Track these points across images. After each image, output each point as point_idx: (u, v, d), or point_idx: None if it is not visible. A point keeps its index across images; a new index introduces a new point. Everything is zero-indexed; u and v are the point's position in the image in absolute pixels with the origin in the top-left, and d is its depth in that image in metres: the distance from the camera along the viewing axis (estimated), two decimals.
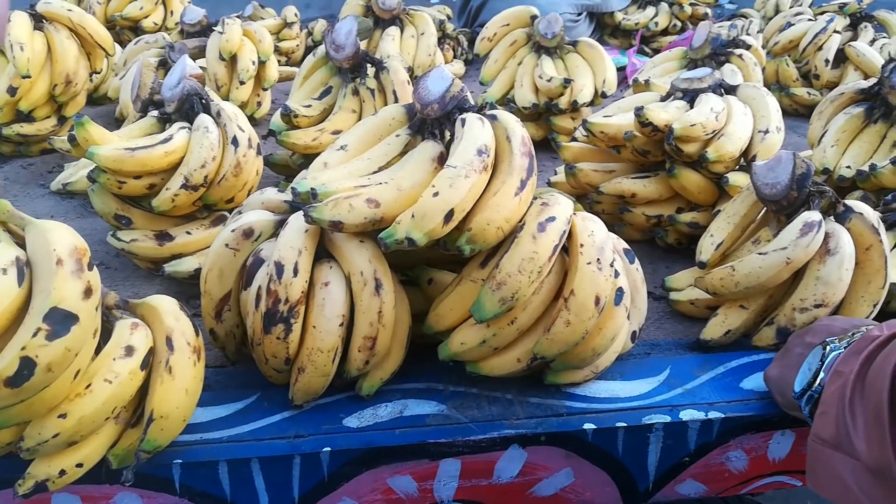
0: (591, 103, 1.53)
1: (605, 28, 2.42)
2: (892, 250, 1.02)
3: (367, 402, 0.80)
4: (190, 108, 1.06)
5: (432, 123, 0.84)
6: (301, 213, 0.76)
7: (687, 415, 0.79)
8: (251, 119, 1.68)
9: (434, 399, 0.81)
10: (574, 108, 1.52)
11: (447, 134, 0.84)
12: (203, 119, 1.04)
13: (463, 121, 0.79)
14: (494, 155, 0.78)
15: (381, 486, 0.77)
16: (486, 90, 1.68)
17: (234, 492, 0.74)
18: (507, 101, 1.61)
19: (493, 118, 0.80)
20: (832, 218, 0.90)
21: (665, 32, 2.38)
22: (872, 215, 0.89)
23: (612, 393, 0.83)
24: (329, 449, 0.74)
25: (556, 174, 1.32)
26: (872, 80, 1.28)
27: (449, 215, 0.72)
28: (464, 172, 0.73)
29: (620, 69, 2.13)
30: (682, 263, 1.10)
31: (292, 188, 0.77)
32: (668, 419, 0.78)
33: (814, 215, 0.87)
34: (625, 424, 0.78)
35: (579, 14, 2.38)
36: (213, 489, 0.74)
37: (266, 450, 0.74)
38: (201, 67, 1.65)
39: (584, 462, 0.79)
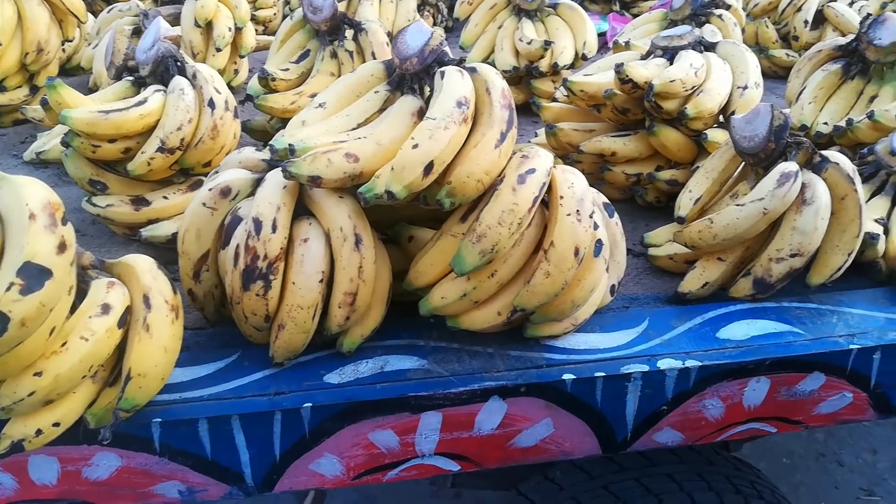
0: (572, 66, 1.52)
1: None
2: (867, 202, 1.03)
3: (348, 359, 0.80)
4: (165, 70, 1.05)
5: (411, 78, 0.83)
6: (279, 169, 0.75)
7: (664, 364, 0.80)
8: (228, 87, 1.65)
9: (415, 354, 0.82)
10: (555, 70, 1.51)
11: (427, 90, 0.83)
12: (178, 81, 1.02)
13: (442, 73, 0.78)
14: (474, 107, 0.77)
15: (362, 441, 0.77)
16: (466, 55, 1.66)
17: (215, 449, 0.75)
18: None
19: (472, 70, 0.80)
20: (809, 169, 0.90)
21: None
22: (848, 165, 0.89)
23: (591, 344, 0.83)
24: (310, 405, 0.74)
25: (536, 136, 1.31)
26: (850, 37, 1.28)
27: (429, 167, 0.72)
28: (443, 124, 0.73)
29: (601, 34, 2.11)
30: (661, 221, 1.10)
31: (270, 145, 0.77)
32: (646, 368, 0.79)
33: (790, 166, 0.87)
34: (603, 374, 0.79)
35: None
36: (194, 447, 0.74)
37: (246, 407, 0.74)
38: (176, 35, 1.62)
39: (564, 412, 0.80)
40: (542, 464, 1.11)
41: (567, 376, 0.79)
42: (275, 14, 2.17)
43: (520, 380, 0.78)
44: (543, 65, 1.50)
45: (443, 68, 0.79)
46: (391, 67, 0.85)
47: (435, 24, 2.23)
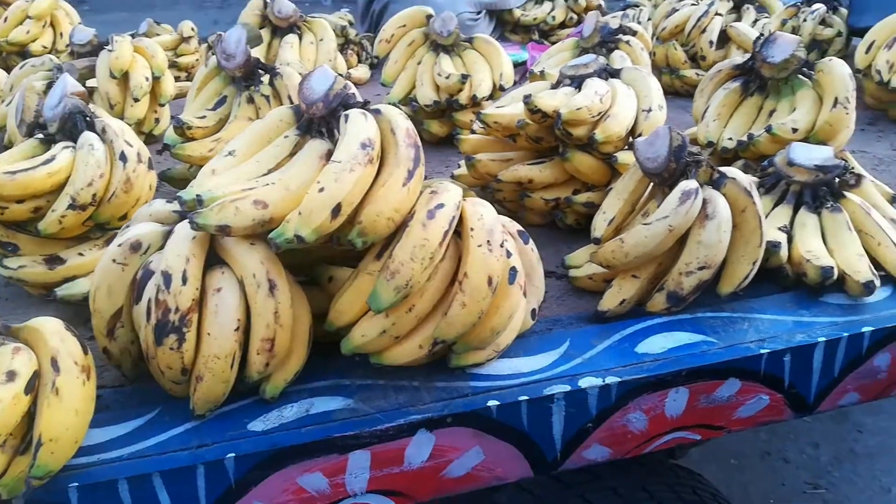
0: (491, 97, 1.57)
1: (506, 25, 2.48)
2: (771, 210, 1.09)
3: (273, 405, 0.80)
4: (73, 126, 1.03)
5: (319, 122, 0.84)
6: (188, 221, 0.75)
7: (585, 382, 0.82)
8: (150, 136, 1.64)
9: (341, 395, 0.82)
10: (474, 102, 1.55)
11: (336, 133, 0.84)
12: (87, 136, 1.01)
13: (346, 117, 0.80)
14: (380, 148, 0.79)
15: (291, 487, 0.77)
16: (387, 93, 1.69)
17: None
18: (409, 101, 1.63)
19: (377, 112, 0.82)
20: (709, 185, 0.95)
21: (563, 26, 2.46)
22: (745, 179, 0.94)
23: (515, 369, 0.85)
24: (233, 455, 0.73)
25: (459, 167, 1.34)
26: (747, 56, 1.35)
27: (336, 210, 0.73)
28: (349, 166, 0.74)
29: (522, 64, 2.18)
30: (582, 242, 1.13)
31: (178, 196, 0.77)
32: (567, 388, 0.81)
33: (691, 184, 0.91)
34: (527, 398, 0.80)
35: (479, 13, 2.43)
36: None
37: (167, 463, 0.72)
38: (92, 87, 1.60)
39: (492, 439, 0.81)
40: (490, 489, 1.11)
41: (492, 403, 0.80)
42: (197, 60, 2.17)
43: (445, 410, 0.79)
44: (463, 97, 1.54)
45: (347, 111, 0.80)
46: (299, 112, 0.86)
47: (360, 61, 2.26)
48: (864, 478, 2.02)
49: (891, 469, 2.04)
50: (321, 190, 0.73)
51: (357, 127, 0.78)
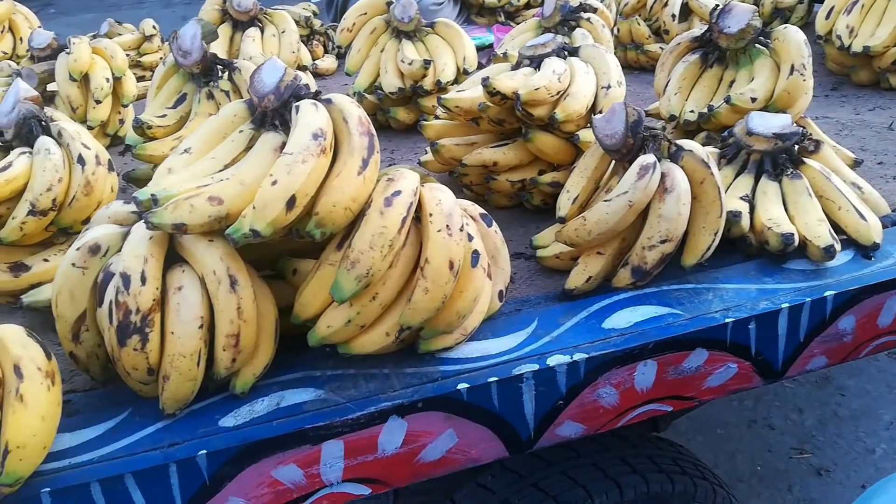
0: (455, 81, 1.56)
1: (471, 8, 2.46)
2: (734, 180, 1.10)
3: (244, 400, 0.80)
4: (29, 131, 1.02)
5: (272, 115, 0.84)
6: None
7: (553, 360, 0.83)
8: (115, 137, 1.62)
9: (311, 386, 0.82)
10: (439, 87, 1.54)
11: (290, 125, 0.84)
12: (44, 141, 1.00)
13: (297, 108, 0.80)
14: (333, 137, 0.79)
15: (266, 480, 0.77)
16: (353, 81, 1.68)
17: None
18: (375, 89, 1.62)
19: (328, 102, 0.81)
20: (668, 159, 0.95)
21: (528, 6, 2.44)
22: (702, 151, 0.95)
23: (484, 351, 0.86)
24: (205, 451, 0.73)
25: (426, 153, 1.34)
26: (704, 28, 1.36)
27: (291, 202, 0.73)
28: (301, 158, 0.74)
29: (488, 46, 2.18)
30: (549, 222, 1.14)
31: (134, 197, 0.76)
32: (536, 367, 0.82)
33: (648, 158, 0.92)
34: (496, 379, 0.81)
35: None
36: None
37: (139, 463, 0.73)
38: (53, 91, 1.58)
39: (465, 421, 0.82)
40: (475, 469, 1.13)
41: (462, 385, 0.81)
42: (161, 58, 2.14)
43: (416, 396, 0.80)
44: (427, 83, 1.53)
45: (298, 103, 0.80)
46: (253, 106, 0.86)
47: (326, 52, 2.25)
48: (847, 440, 2.05)
49: (874, 430, 2.07)
50: (274, 183, 0.73)
51: (308, 117, 0.78)
